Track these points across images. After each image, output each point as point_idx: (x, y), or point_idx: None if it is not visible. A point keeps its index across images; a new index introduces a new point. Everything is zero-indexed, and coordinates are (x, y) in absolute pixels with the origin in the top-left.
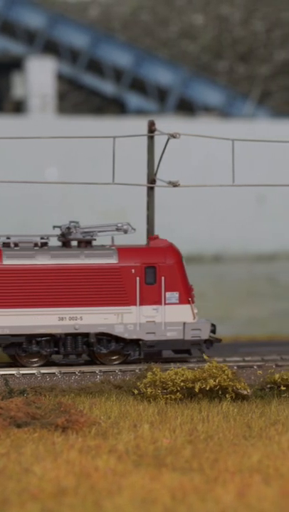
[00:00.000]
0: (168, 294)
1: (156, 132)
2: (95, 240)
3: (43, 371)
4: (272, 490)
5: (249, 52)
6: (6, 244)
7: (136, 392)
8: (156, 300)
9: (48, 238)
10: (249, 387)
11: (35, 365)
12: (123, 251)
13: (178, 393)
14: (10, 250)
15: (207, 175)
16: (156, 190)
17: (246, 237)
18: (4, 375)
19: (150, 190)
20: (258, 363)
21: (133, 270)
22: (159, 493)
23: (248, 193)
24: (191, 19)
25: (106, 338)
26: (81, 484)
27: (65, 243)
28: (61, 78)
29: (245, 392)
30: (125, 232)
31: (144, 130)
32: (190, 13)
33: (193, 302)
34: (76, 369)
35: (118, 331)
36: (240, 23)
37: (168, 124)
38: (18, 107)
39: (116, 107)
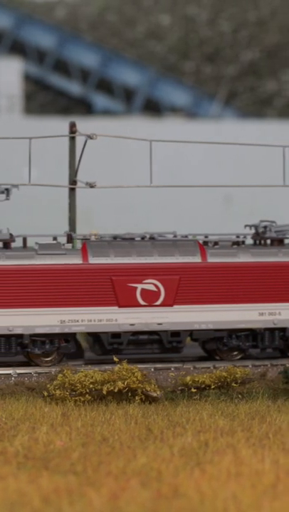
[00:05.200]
0: None
1: (76, 133)
2: (287, 238)
3: None
4: (147, 493)
5: (216, 52)
6: (205, 243)
7: (46, 394)
8: None
9: (244, 237)
10: (161, 390)
11: (236, 358)
12: None
13: (87, 395)
14: (212, 249)
15: (175, 175)
16: (128, 191)
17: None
18: None
19: (71, 192)
20: (176, 365)
21: None
22: (32, 496)
23: (215, 193)
24: (158, 19)
25: None
26: None
27: (259, 241)
28: (28, 79)
29: (154, 395)
30: None
31: (110, 131)
32: (157, 14)
33: None
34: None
35: None
36: (207, 24)
37: (134, 124)
38: None
39: (83, 107)
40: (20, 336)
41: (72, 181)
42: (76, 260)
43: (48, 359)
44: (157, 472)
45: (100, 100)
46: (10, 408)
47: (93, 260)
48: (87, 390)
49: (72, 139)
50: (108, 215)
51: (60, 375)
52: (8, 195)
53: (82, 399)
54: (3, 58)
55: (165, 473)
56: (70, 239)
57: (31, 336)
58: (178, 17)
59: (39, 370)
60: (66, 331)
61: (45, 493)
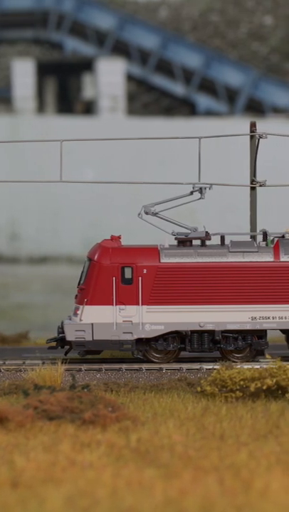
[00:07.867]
0: None
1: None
2: None
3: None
4: (218, 489)
5: None
6: None
7: (199, 389)
8: None
9: None
10: None
11: None
12: None
13: (237, 392)
14: None
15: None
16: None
17: None
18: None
19: (252, 191)
20: None
21: None
22: (99, 486)
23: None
24: (260, 20)
25: None
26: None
27: None
28: (131, 79)
29: None
30: None
31: (214, 131)
32: (260, 14)
33: None
34: (161, 366)
35: None
36: None
37: (237, 125)
38: (88, 108)
39: (186, 107)
40: (212, 332)
41: (252, 181)
42: (267, 258)
43: (240, 355)
44: (248, 469)
45: (203, 101)
46: (156, 403)
47: (285, 258)
48: (238, 387)
49: (252, 138)
50: (211, 214)
51: (215, 371)
52: (202, 194)
53: (233, 395)
54: (106, 59)
55: (256, 470)
56: (265, 237)
57: (223, 332)
58: (281, 17)
59: (206, 365)
60: (257, 327)
61: (116, 484)
